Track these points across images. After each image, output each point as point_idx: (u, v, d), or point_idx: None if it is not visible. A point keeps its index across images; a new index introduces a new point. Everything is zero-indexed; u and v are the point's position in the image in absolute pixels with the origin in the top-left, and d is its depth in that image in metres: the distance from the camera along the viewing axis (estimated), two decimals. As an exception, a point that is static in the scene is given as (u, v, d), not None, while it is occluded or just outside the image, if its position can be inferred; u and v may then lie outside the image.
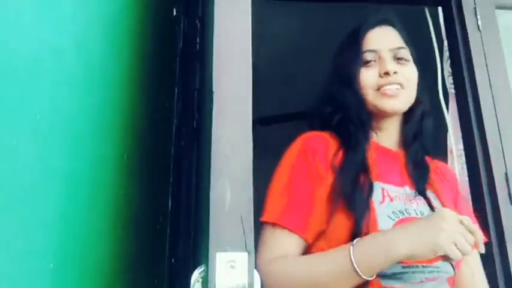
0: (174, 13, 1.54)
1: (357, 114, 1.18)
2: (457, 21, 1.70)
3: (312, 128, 1.22)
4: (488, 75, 1.61)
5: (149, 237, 1.24)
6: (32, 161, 0.74)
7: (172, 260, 1.33)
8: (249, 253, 0.72)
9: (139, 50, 1.25)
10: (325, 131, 1.19)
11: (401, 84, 1.16)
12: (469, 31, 1.66)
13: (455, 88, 1.72)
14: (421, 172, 1.18)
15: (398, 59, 1.19)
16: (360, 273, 0.96)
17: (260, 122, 3.03)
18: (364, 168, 1.10)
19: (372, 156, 1.15)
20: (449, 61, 1.79)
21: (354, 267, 0.96)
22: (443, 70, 1.83)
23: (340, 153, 1.13)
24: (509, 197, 1.48)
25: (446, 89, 1.79)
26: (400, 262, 1.00)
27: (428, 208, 1.10)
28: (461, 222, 0.96)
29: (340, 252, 1.00)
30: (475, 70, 1.62)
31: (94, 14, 1.00)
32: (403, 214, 1.07)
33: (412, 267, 1.03)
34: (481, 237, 0.98)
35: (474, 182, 1.53)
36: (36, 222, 0.74)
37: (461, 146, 1.68)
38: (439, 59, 1.84)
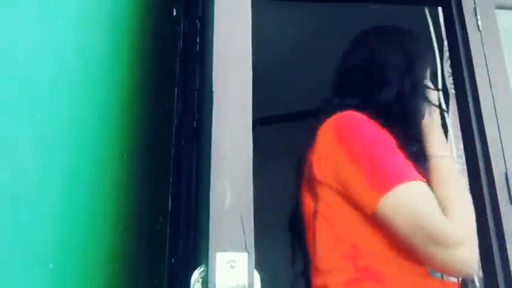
0: (174, 13, 1.54)
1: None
2: (457, 21, 1.70)
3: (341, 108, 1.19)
4: (488, 75, 1.61)
5: (149, 237, 1.24)
6: (32, 161, 0.74)
7: (172, 260, 1.33)
8: (249, 253, 0.72)
9: (139, 50, 1.25)
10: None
11: None
12: (469, 31, 1.66)
13: (455, 88, 1.72)
14: None
15: None
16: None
17: (260, 122, 3.03)
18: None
19: None
20: (449, 61, 1.79)
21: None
22: (443, 70, 1.82)
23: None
24: (509, 197, 1.48)
25: (447, 89, 1.79)
26: None
27: None
28: None
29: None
30: (475, 70, 1.61)
31: (94, 14, 1.00)
32: None
33: None
34: None
35: (474, 182, 1.53)
36: (36, 222, 0.74)
37: (461, 146, 1.68)
38: (439, 59, 1.83)
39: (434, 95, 1.33)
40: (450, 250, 1.00)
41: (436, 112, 1.30)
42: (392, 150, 1.08)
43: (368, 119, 1.12)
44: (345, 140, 1.09)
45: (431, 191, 1.07)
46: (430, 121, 1.26)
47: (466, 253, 1.01)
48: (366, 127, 1.11)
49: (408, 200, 1.02)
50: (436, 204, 1.04)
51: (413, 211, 1.00)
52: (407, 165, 1.08)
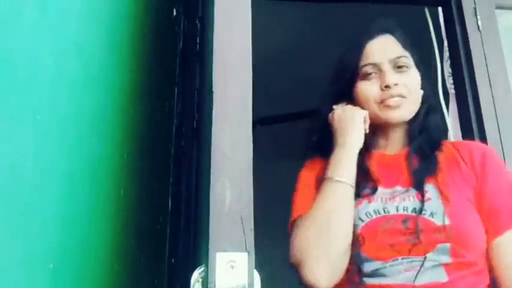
0: (174, 13, 1.54)
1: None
2: (457, 21, 1.70)
3: (313, 153, 1.26)
4: (488, 75, 1.61)
5: (149, 237, 1.24)
6: (32, 161, 0.74)
7: (172, 260, 1.33)
8: (249, 253, 0.72)
9: (139, 50, 1.25)
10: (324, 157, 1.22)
11: (402, 95, 1.18)
12: (469, 31, 1.66)
13: (455, 88, 1.72)
14: (423, 166, 1.18)
15: (398, 67, 1.20)
16: (337, 179, 1.11)
17: (260, 122, 3.03)
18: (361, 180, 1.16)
19: (372, 167, 1.19)
20: (449, 61, 1.79)
21: (333, 179, 1.12)
22: (443, 70, 1.83)
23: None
24: (509, 197, 1.48)
25: (447, 89, 1.79)
26: (379, 259, 1.06)
27: (417, 202, 1.11)
28: None
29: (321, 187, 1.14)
30: (475, 70, 1.62)
31: (94, 15, 1.00)
32: (378, 214, 1.11)
33: (392, 261, 1.06)
34: None
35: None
36: (36, 222, 0.74)
37: (461, 146, 1.68)
38: (439, 59, 1.84)
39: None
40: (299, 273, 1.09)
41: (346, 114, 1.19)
42: (304, 194, 1.20)
43: (308, 174, 1.23)
44: None
45: None
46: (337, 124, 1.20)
47: (306, 272, 1.06)
48: (297, 184, 1.24)
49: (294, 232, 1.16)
50: None
51: None
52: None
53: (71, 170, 0.86)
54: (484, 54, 1.63)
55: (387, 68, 1.18)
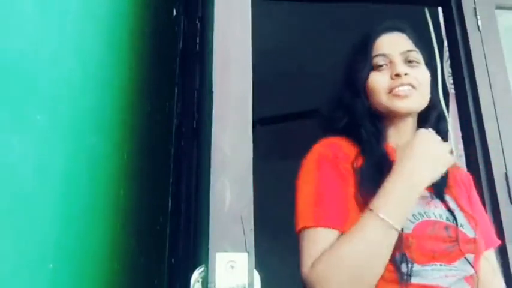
0: (174, 13, 1.54)
1: (367, 119, 1.20)
2: (457, 21, 1.70)
3: (325, 133, 1.23)
4: (488, 75, 1.62)
5: (149, 237, 1.24)
6: (32, 161, 0.74)
7: (172, 260, 1.33)
8: (249, 253, 0.72)
9: (139, 50, 1.25)
10: (339, 136, 1.21)
11: (413, 85, 1.18)
12: (469, 31, 1.66)
13: (455, 88, 1.72)
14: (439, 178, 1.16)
15: (409, 61, 1.21)
16: (392, 224, 0.99)
17: (260, 122, 3.03)
18: (383, 173, 1.10)
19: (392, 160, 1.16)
20: (449, 61, 1.79)
21: (385, 221, 0.99)
22: (443, 70, 1.83)
23: (360, 158, 1.15)
24: (509, 197, 1.48)
25: (447, 89, 1.79)
26: (419, 262, 1.02)
27: (446, 211, 1.11)
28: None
29: (364, 218, 1.02)
30: (475, 70, 1.62)
31: (94, 15, 1.00)
32: (423, 217, 1.09)
33: (431, 265, 1.05)
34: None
35: (474, 182, 1.53)
36: (36, 222, 0.74)
37: (461, 146, 1.68)
38: (439, 59, 1.84)
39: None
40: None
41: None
42: (326, 192, 1.10)
43: (333, 152, 1.15)
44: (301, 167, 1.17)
45: (336, 238, 1.05)
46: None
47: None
48: (315, 163, 1.15)
49: (303, 243, 1.09)
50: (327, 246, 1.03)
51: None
52: (331, 210, 1.07)
53: (71, 170, 0.86)
54: (484, 54, 1.64)
55: (398, 59, 1.20)
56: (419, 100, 1.19)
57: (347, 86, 1.25)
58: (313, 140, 1.20)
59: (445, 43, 1.80)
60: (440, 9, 1.82)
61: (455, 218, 1.11)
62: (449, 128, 1.73)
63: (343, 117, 1.24)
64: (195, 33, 1.52)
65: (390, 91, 1.18)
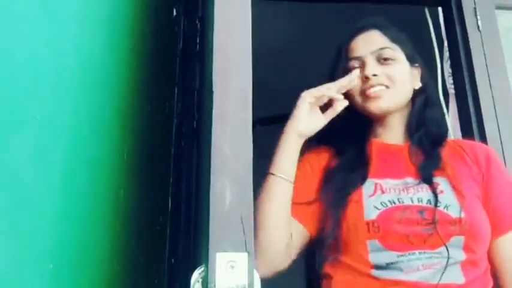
0: (174, 13, 1.54)
1: (343, 121, 1.22)
2: (457, 21, 1.70)
3: (310, 144, 1.25)
4: (488, 75, 1.61)
5: (149, 237, 1.24)
6: (32, 161, 0.74)
7: (172, 260, 1.33)
8: (249, 253, 0.72)
9: (139, 50, 1.25)
10: (323, 144, 1.25)
11: (385, 85, 1.18)
12: (469, 31, 1.66)
13: (455, 88, 1.72)
14: (428, 161, 1.18)
15: (384, 59, 1.21)
16: (273, 172, 1.11)
17: (260, 122, 3.03)
18: (356, 169, 1.17)
19: (372, 156, 1.21)
20: (449, 61, 1.79)
21: (273, 174, 1.12)
22: (443, 70, 1.83)
23: (334, 160, 1.22)
24: (509, 197, 1.47)
25: (447, 89, 1.79)
26: (394, 250, 1.05)
27: (431, 194, 1.11)
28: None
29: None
30: (475, 70, 1.62)
31: (94, 15, 1.00)
32: (394, 203, 1.11)
33: (408, 254, 1.05)
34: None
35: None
36: (35, 222, 0.74)
37: (461, 146, 1.68)
38: (439, 59, 1.84)
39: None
40: None
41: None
42: (300, 190, 1.18)
43: (310, 162, 1.24)
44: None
45: (297, 230, 1.15)
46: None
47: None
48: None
49: None
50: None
51: None
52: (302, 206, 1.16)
53: (71, 170, 0.85)
54: (484, 54, 1.63)
55: (369, 60, 1.20)
56: (393, 99, 1.20)
57: None
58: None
59: (445, 43, 1.80)
60: (440, 9, 1.82)
61: (437, 200, 1.09)
62: (449, 128, 1.73)
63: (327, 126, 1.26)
64: (195, 33, 1.52)
65: (363, 93, 1.19)
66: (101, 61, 1.02)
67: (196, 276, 0.73)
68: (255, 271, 0.72)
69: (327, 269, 1.12)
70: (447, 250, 1.05)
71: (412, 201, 1.11)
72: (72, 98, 0.88)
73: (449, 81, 1.78)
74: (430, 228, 1.06)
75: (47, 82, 0.79)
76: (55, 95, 0.81)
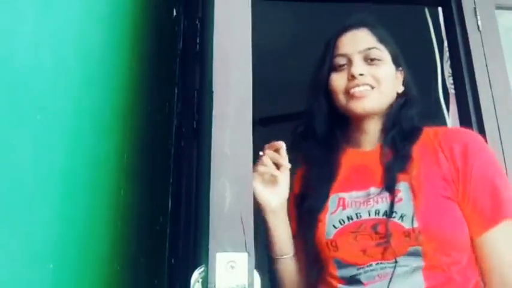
0: (174, 14, 1.54)
1: (323, 124, 1.23)
2: (457, 21, 1.70)
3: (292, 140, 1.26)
4: (488, 75, 1.61)
5: (149, 237, 1.24)
6: (32, 161, 0.74)
7: (172, 260, 1.33)
8: (249, 253, 0.72)
9: (139, 50, 1.25)
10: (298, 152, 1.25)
11: (370, 85, 1.16)
12: (469, 31, 1.66)
13: (455, 88, 1.72)
14: (395, 162, 1.15)
15: (371, 59, 1.19)
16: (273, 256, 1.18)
17: (260, 122, 3.03)
18: (324, 184, 1.19)
19: (342, 167, 1.21)
20: (449, 61, 1.79)
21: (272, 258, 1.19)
22: (443, 70, 1.83)
23: (307, 173, 1.24)
24: (509, 197, 1.47)
25: (447, 89, 1.79)
26: (354, 264, 1.09)
27: (388, 205, 1.10)
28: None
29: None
30: (475, 70, 1.61)
31: (94, 15, 1.00)
32: (351, 220, 1.12)
33: (366, 266, 1.08)
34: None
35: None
36: (35, 222, 0.74)
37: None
38: (439, 59, 1.84)
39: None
40: None
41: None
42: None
43: None
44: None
45: None
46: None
47: None
48: None
49: None
50: None
51: None
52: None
53: (70, 170, 0.85)
54: (484, 54, 1.63)
55: (356, 59, 1.18)
56: (377, 100, 1.17)
57: (310, 88, 1.25)
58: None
59: (445, 43, 1.80)
60: (440, 9, 1.82)
61: (392, 212, 1.08)
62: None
63: (304, 123, 1.27)
64: (195, 33, 1.52)
65: (347, 92, 1.17)
66: (101, 61, 1.02)
67: (196, 276, 0.73)
68: (255, 271, 0.72)
69: (319, 283, 1.16)
70: (395, 262, 1.06)
71: (369, 215, 1.11)
72: (72, 98, 0.88)
73: (449, 81, 1.78)
74: (383, 242, 1.06)
75: (47, 82, 0.79)
76: (55, 95, 0.81)
